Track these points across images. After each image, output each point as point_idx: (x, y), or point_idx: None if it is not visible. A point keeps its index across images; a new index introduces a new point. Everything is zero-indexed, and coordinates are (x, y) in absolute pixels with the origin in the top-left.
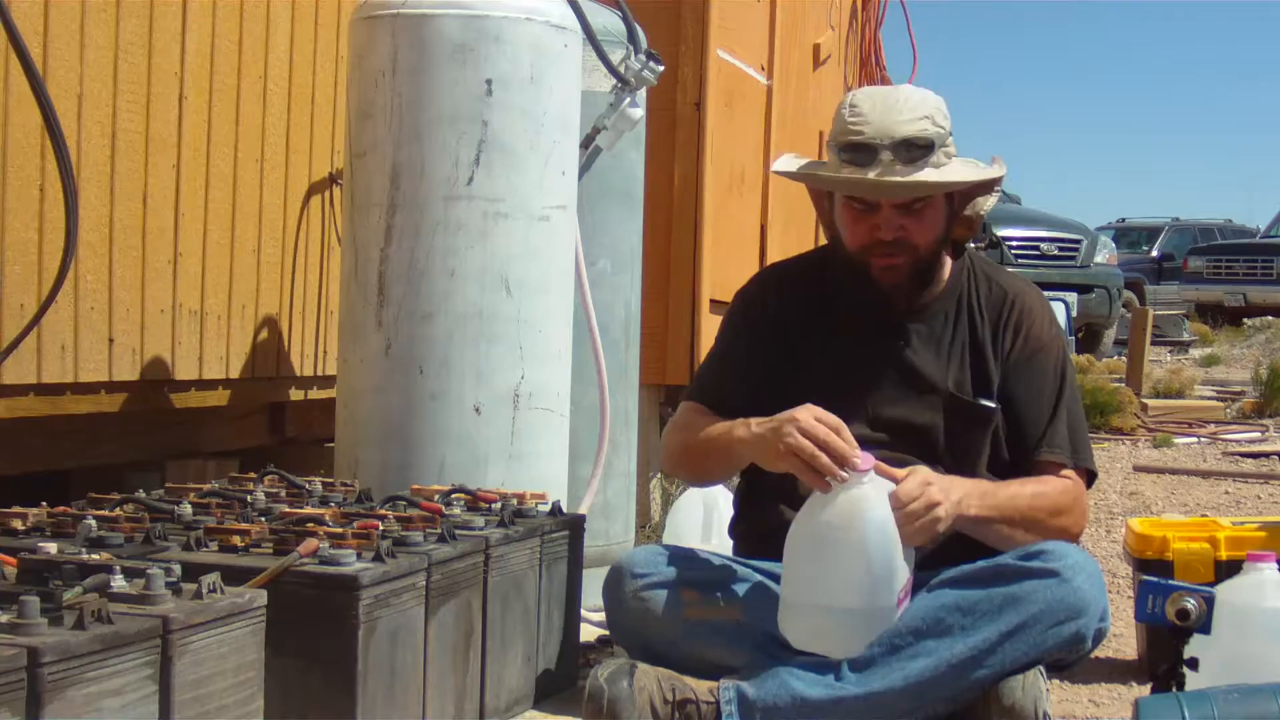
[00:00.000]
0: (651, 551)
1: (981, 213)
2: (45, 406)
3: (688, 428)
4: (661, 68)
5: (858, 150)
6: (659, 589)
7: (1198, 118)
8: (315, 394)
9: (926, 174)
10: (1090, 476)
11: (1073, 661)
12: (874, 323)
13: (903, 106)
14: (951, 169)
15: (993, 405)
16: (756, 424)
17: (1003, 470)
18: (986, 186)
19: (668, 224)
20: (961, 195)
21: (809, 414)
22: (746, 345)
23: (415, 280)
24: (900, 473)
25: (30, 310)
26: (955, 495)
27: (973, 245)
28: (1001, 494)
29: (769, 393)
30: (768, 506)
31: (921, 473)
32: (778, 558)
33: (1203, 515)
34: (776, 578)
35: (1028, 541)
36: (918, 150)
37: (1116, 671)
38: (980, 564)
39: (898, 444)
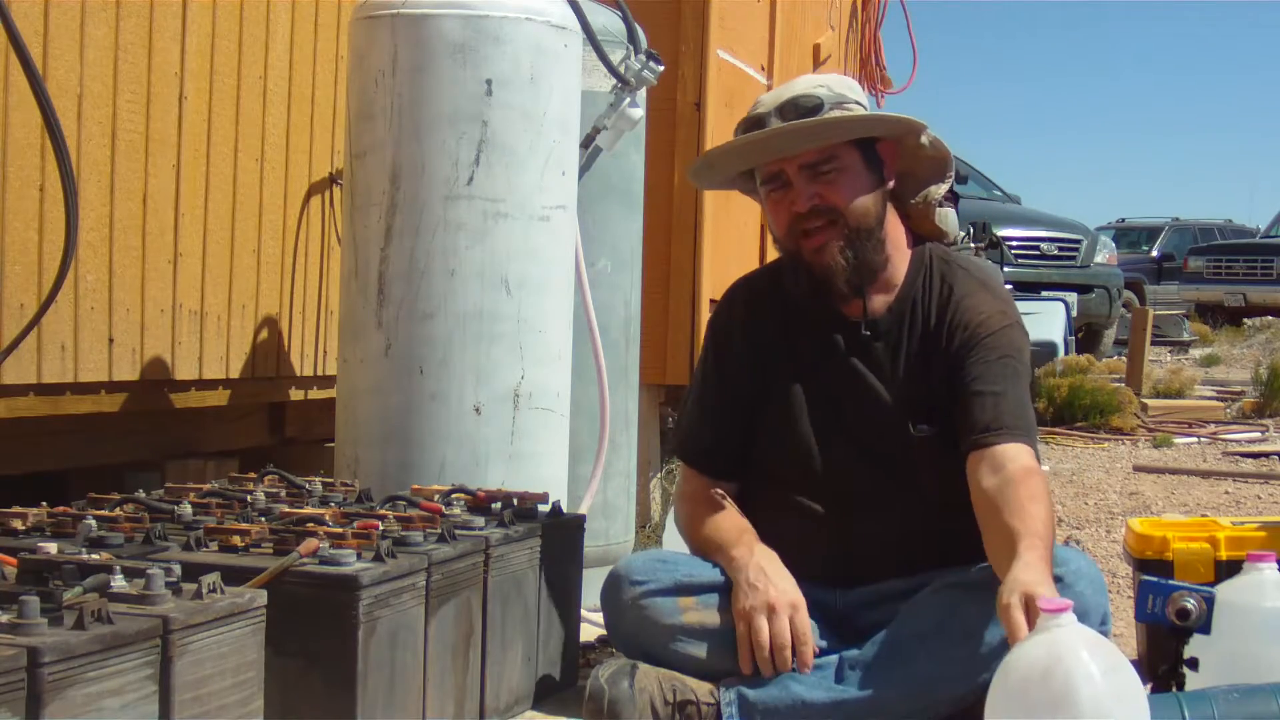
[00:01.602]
0: (649, 558)
1: (933, 201)
2: (45, 406)
3: (695, 510)
4: (661, 68)
5: (752, 125)
6: (657, 596)
7: (1198, 118)
8: (315, 394)
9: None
10: None
11: None
12: (833, 341)
13: (795, 83)
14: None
15: (928, 429)
16: (748, 566)
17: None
18: (936, 169)
19: (668, 224)
20: (907, 182)
21: (785, 608)
22: (720, 388)
23: (415, 280)
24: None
25: (30, 310)
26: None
27: (973, 245)
28: (1046, 539)
29: (752, 426)
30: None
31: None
32: None
33: (1203, 515)
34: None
35: None
36: (805, 110)
37: None
38: (984, 567)
39: (866, 471)
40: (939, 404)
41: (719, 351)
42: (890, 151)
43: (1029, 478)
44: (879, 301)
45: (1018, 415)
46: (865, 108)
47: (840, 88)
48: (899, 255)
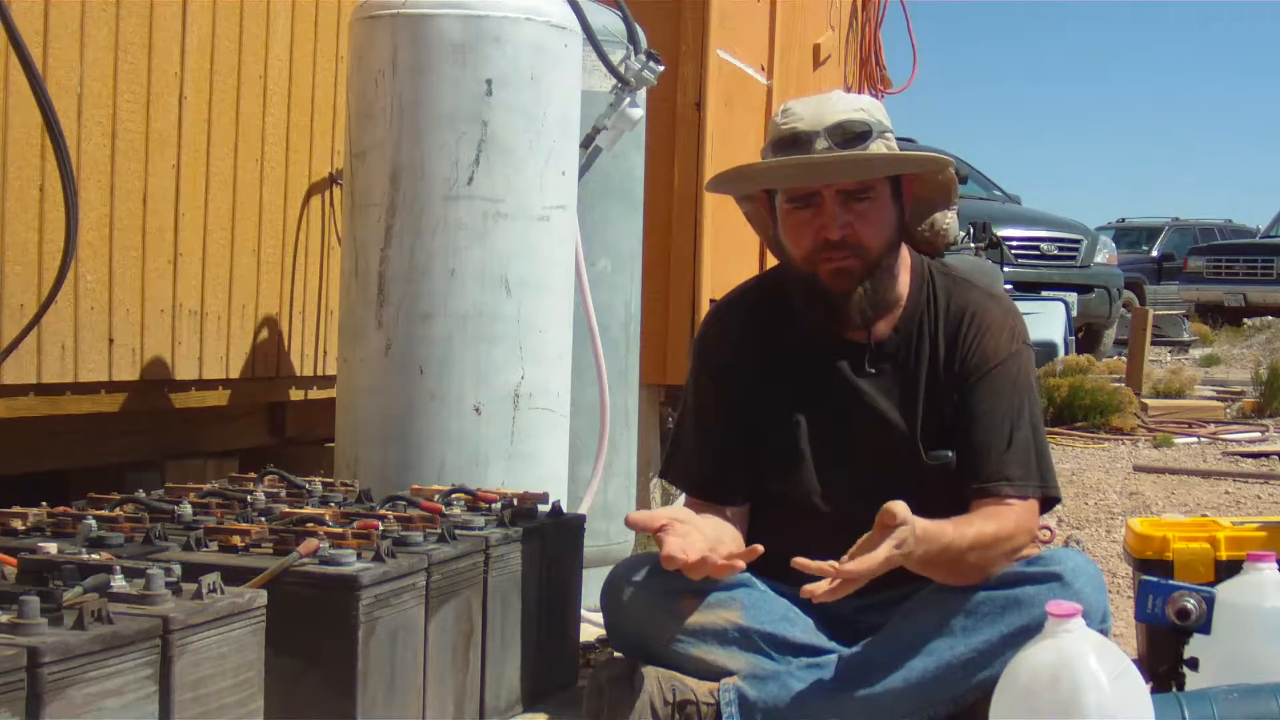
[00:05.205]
0: (649, 558)
1: (940, 230)
2: (45, 406)
3: None
4: (661, 68)
5: (791, 142)
6: (657, 596)
7: (1198, 118)
8: (315, 394)
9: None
10: (1052, 500)
11: None
12: (837, 365)
13: (835, 101)
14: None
15: (950, 455)
16: None
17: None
18: (944, 196)
19: (668, 224)
20: (915, 206)
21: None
22: (717, 413)
23: (415, 280)
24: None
25: (30, 310)
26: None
27: (973, 245)
28: (960, 539)
29: (753, 449)
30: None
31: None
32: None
33: (1203, 515)
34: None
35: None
36: (854, 136)
37: None
38: None
39: (872, 496)
40: (951, 430)
41: (712, 376)
42: (909, 183)
43: (1011, 527)
44: (884, 323)
45: (1024, 462)
46: (893, 132)
47: (877, 113)
48: (904, 274)
